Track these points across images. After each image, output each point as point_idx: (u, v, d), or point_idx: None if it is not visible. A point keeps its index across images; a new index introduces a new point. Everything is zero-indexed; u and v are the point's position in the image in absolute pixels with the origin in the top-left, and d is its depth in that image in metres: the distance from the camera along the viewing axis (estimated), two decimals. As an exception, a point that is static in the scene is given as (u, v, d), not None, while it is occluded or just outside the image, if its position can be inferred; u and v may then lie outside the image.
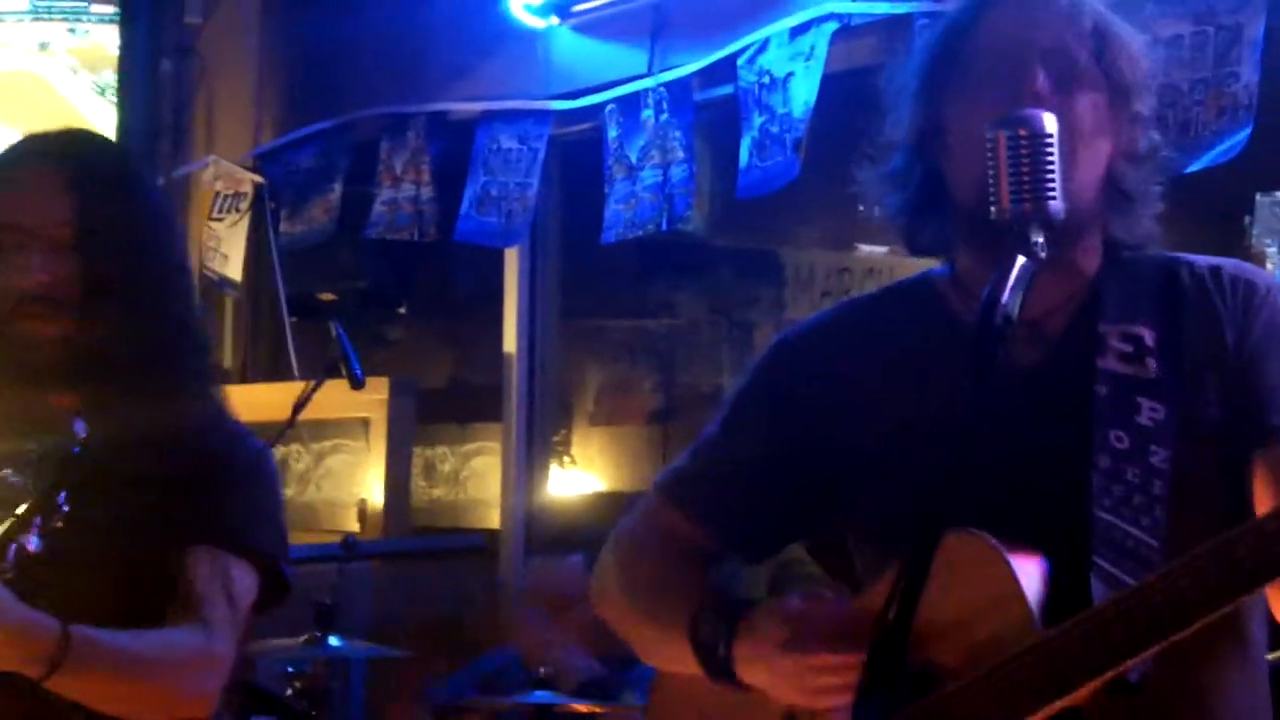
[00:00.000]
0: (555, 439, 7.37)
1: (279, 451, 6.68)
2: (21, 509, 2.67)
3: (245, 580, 2.84)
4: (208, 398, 2.94)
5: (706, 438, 2.66)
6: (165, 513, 2.77)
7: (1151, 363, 2.35)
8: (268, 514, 2.94)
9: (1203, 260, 2.45)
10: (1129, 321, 2.39)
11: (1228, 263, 2.46)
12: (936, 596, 2.10)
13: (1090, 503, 2.25)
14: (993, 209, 2.17)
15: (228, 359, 8.01)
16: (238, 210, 7.61)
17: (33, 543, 2.68)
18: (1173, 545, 2.21)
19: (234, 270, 7.60)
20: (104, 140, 3.04)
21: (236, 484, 2.88)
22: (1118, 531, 2.24)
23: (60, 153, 2.88)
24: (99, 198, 2.82)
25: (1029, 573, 2.17)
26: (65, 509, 2.51)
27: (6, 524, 2.64)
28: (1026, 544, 2.20)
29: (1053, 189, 2.15)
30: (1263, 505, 2.28)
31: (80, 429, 2.53)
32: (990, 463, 2.11)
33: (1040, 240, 2.14)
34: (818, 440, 2.53)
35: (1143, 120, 2.43)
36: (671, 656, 2.54)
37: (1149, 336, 2.37)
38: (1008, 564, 2.16)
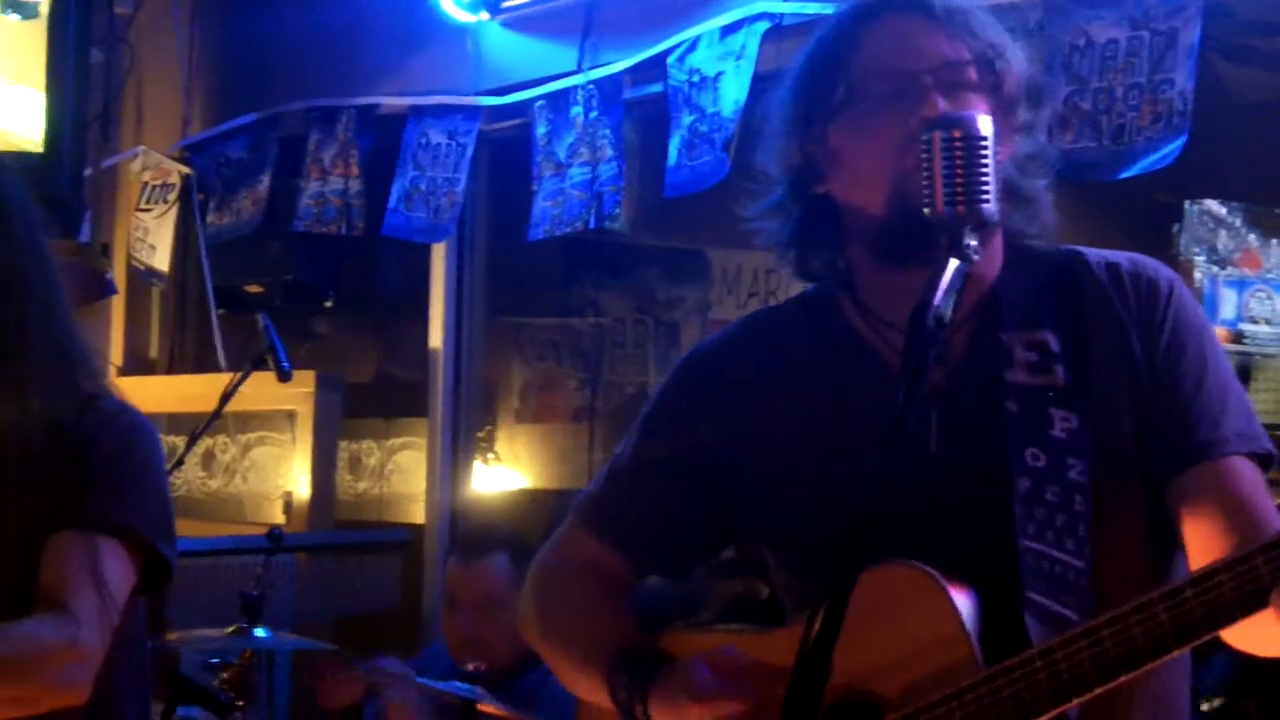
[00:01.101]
0: (480, 435, 7.36)
1: (205, 442, 6.67)
2: None
3: (117, 564, 2.78)
4: (70, 384, 2.88)
5: (619, 455, 2.67)
6: (25, 501, 2.74)
7: (1059, 370, 2.34)
8: (140, 493, 2.87)
9: (1098, 257, 2.44)
10: (1032, 328, 2.38)
11: (1124, 259, 2.44)
12: (872, 626, 2.13)
13: (1015, 531, 2.24)
14: (925, 210, 2.16)
15: (154, 349, 7.97)
16: (165, 201, 7.56)
17: None
18: (1098, 562, 2.22)
19: (161, 261, 7.54)
20: None
21: (103, 465, 2.82)
22: (1045, 560, 2.23)
23: None
24: None
25: (965, 606, 2.17)
26: None
27: None
28: (954, 573, 2.20)
29: (987, 191, 2.14)
30: (1190, 533, 2.28)
31: None
32: (907, 487, 2.08)
33: (974, 243, 2.13)
34: (726, 459, 2.53)
35: (1028, 126, 2.44)
36: (591, 698, 2.57)
37: (1053, 341, 2.36)
38: (949, 598, 2.16)
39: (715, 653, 2.38)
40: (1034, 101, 2.45)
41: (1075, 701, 2.07)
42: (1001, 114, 2.35)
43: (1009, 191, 2.36)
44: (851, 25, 2.43)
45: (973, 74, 2.36)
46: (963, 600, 2.18)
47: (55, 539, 2.73)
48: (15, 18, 6.50)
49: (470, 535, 5.87)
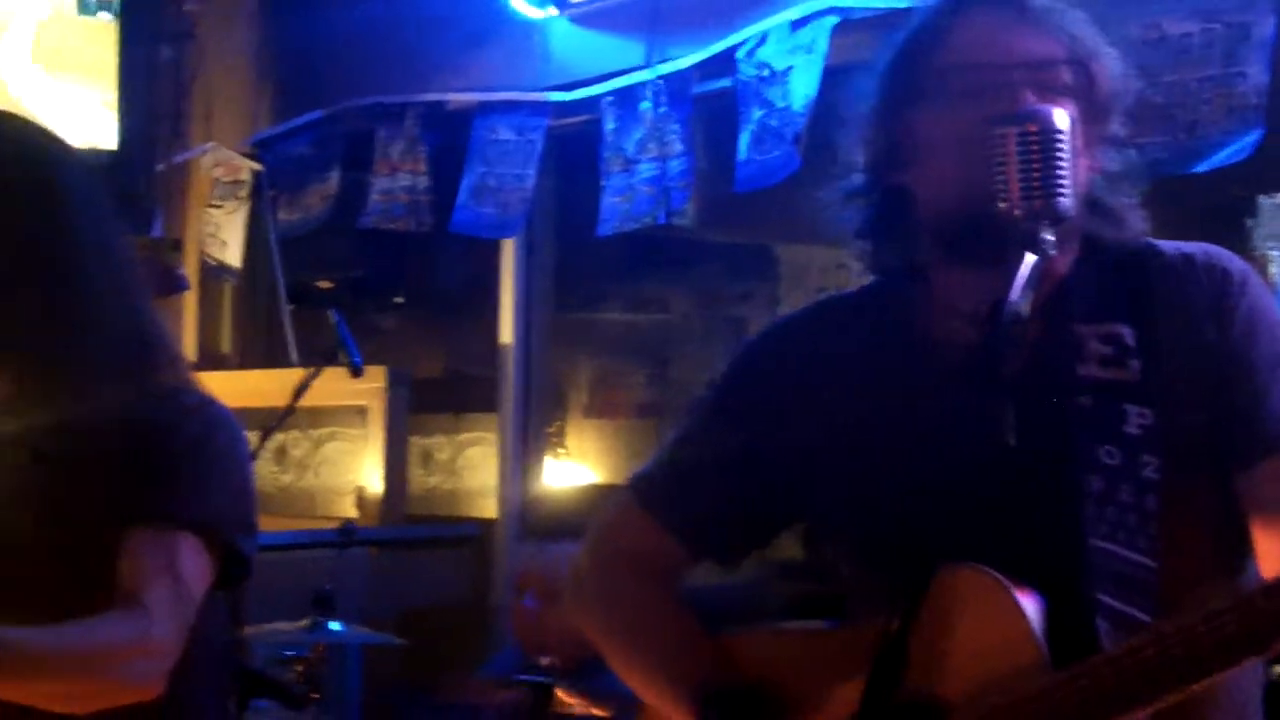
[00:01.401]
0: (549, 430, 7.38)
1: (278, 438, 6.70)
2: None
3: (194, 559, 2.74)
4: (151, 373, 2.85)
5: (677, 439, 2.64)
6: (102, 494, 2.71)
7: (1134, 364, 2.30)
8: (219, 489, 2.82)
9: (1172, 247, 2.40)
10: (1105, 320, 2.34)
11: (1198, 249, 2.39)
12: (942, 629, 2.12)
13: (1086, 531, 2.21)
14: (1001, 205, 2.14)
15: (226, 344, 8.01)
16: (236, 197, 7.60)
17: None
18: (1168, 562, 2.19)
19: (233, 257, 7.59)
20: (9, 120, 2.93)
21: (182, 458, 2.77)
22: (1116, 560, 2.20)
23: None
24: (2, 177, 2.78)
25: (1033, 610, 2.14)
26: None
27: None
28: (1021, 575, 2.16)
29: (1064, 186, 2.12)
30: (1260, 529, 2.25)
31: None
32: (975, 484, 2.07)
33: (1050, 238, 2.11)
34: (789, 447, 2.50)
35: (1118, 140, 2.39)
36: (663, 708, 2.55)
37: (1127, 335, 2.32)
38: (1018, 604, 2.13)
39: (803, 670, 2.38)
40: (1126, 113, 2.40)
41: (1143, 709, 2.04)
42: (1091, 121, 2.32)
43: (1094, 205, 2.34)
44: (943, 16, 2.39)
45: (1065, 76, 2.31)
46: (1030, 604, 2.15)
47: (132, 534, 2.70)
48: (104, 16, 6.54)
49: (543, 525, 5.88)
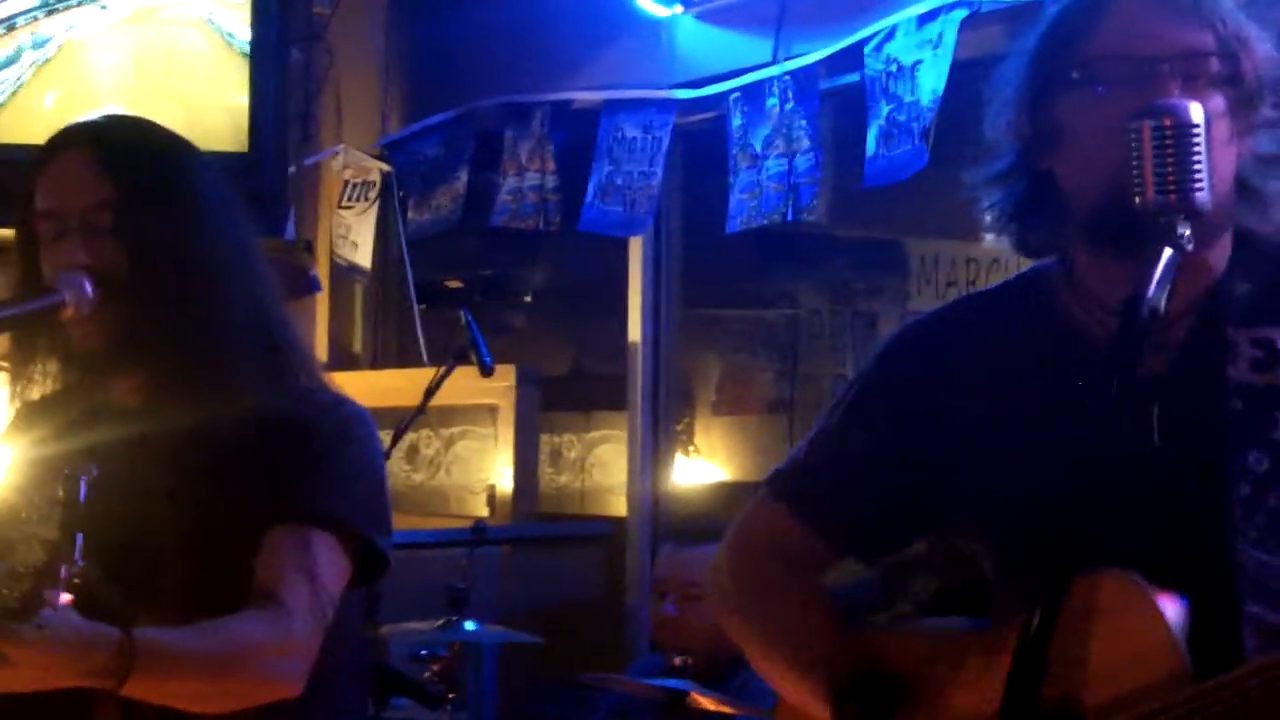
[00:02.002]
0: (678, 427, 7.38)
1: (409, 437, 6.74)
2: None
3: (331, 556, 2.77)
4: (286, 373, 2.89)
5: (818, 434, 2.62)
6: (238, 495, 2.74)
7: None
8: (355, 486, 2.86)
9: None
10: (1259, 324, 2.29)
11: None
12: (1082, 635, 2.09)
13: (1234, 538, 2.18)
14: (1136, 199, 2.11)
15: (357, 344, 8.08)
16: (366, 199, 7.66)
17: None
18: None
19: (363, 258, 7.65)
20: (143, 124, 2.99)
21: (318, 457, 2.81)
22: (1265, 570, 2.17)
23: (96, 139, 2.86)
24: (136, 181, 2.79)
25: (1176, 618, 2.11)
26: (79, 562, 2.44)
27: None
28: (1160, 578, 2.13)
29: (1200, 180, 2.09)
30: None
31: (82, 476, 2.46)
32: (1120, 485, 2.00)
33: (1186, 233, 2.07)
34: (932, 441, 2.48)
35: (1270, 121, 2.35)
36: (800, 701, 2.55)
37: None
38: (1160, 611, 2.10)
39: (945, 669, 2.36)
40: (1275, 94, 2.35)
41: None
42: (1240, 108, 2.28)
43: (1243, 189, 2.30)
44: (1093, 1, 2.37)
45: (1214, 65, 2.28)
46: (1173, 611, 2.12)
47: (270, 534, 2.74)
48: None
49: (674, 523, 5.90)
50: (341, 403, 2.93)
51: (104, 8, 6.59)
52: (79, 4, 6.60)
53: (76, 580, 2.40)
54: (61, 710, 2.64)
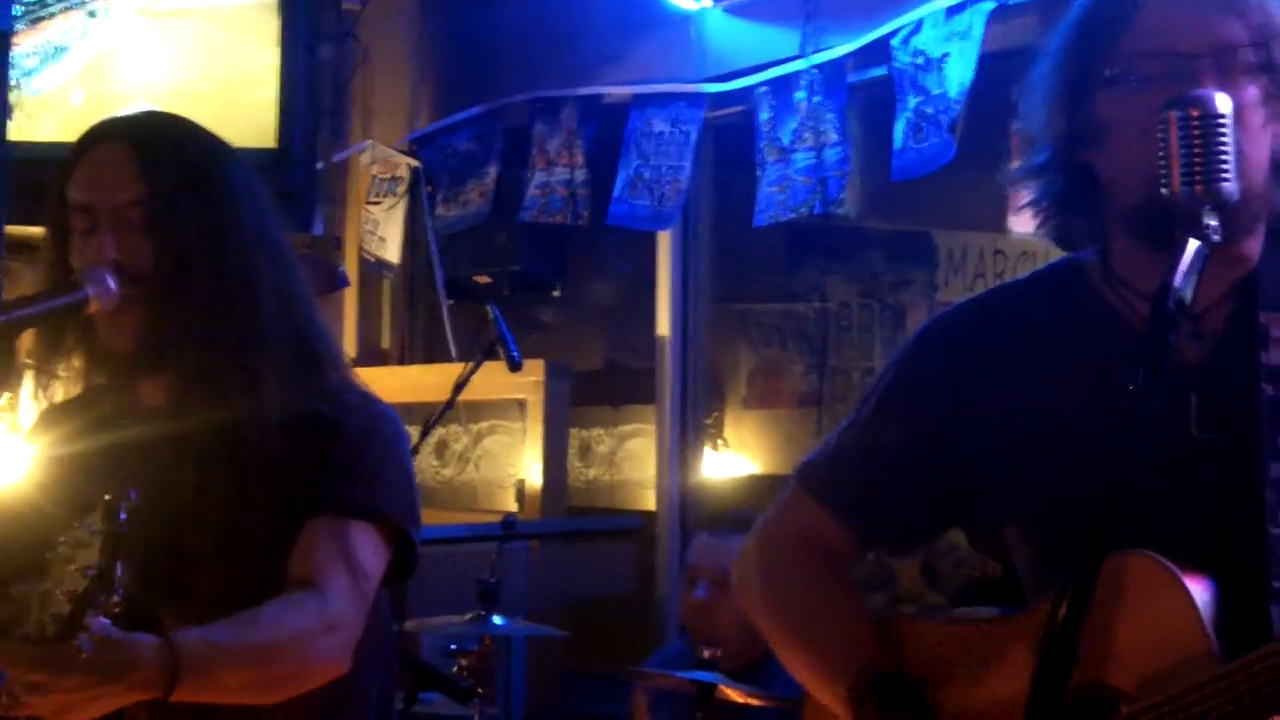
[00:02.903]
0: (708, 421, 7.38)
1: (438, 432, 6.75)
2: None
3: (368, 546, 2.78)
4: (314, 372, 2.89)
5: (849, 425, 2.62)
6: (270, 492, 2.75)
7: None
8: (388, 478, 2.87)
9: None
10: None
11: None
12: (1108, 617, 2.09)
13: (1265, 519, 2.18)
14: (1163, 190, 2.11)
15: (386, 340, 8.10)
16: (394, 194, 7.67)
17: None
18: None
19: (391, 253, 7.66)
20: (179, 121, 2.99)
21: (351, 451, 2.81)
22: None
23: (132, 134, 2.85)
24: (170, 178, 2.79)
25: (1204, 599, 2.12)
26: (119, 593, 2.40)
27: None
28: (1194, 562, 2.14)
29: (1226, 171, 2.08)
30: None
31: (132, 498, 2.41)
32: (1154, 469, 2.01)
33: (1214, 224, 2.07)
34: (965, 431, 2.47)
35: None
36: (827, 703, 2.54)
37: None
38: (1187, 592, 2.11)
39: (970, 660, 2.37)
40: None
41: None
42: (1275, 96, 2.29)
43: (1278, 174, 2.31)
44: None
45: (1249, 57, 2.29)
46: (1200, 592, 2.13)
47: (306, 528, 2.74)
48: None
49: (703, 517, 5.90)
50: (369, 401, 2.93)
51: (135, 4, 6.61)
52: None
53: (117, 609, 2.38)
54: None
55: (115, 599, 2.36)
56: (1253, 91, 2.27)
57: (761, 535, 2.70)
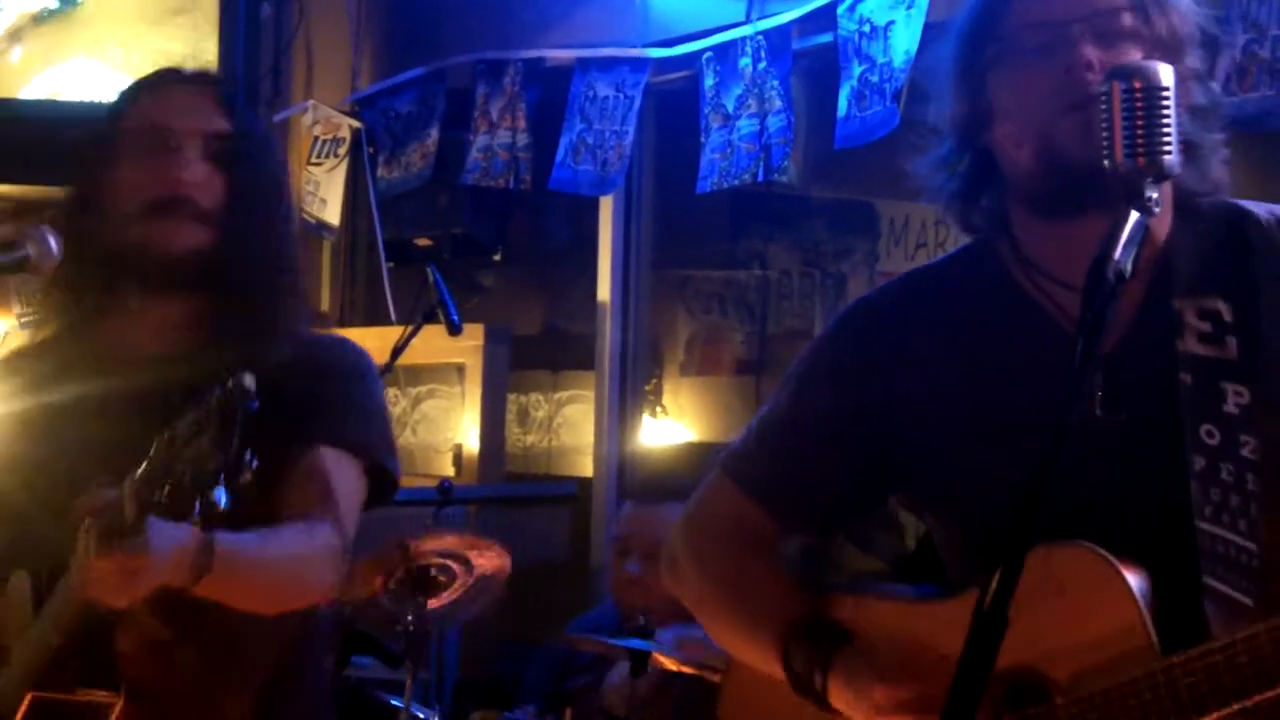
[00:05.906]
0: (647, 388, 7.37)
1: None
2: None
3: (351, 476, 2.94)
4: (310, 311, 3.12)
5: (771, 411, 2.63)
6: (290, 416, 2.81)
7: (1231, 341, 2.26)
8: (372, 412, 3.05)
9: (1266, 212, 2.37)
10: (1204, 294, 2.29)
11: None
12: (1042, 604, 2.09)
13: (1191, 513, 2.19)
14: (1105, 162, 2.10)
15: (325, 303, 8.05)
16: (336, 155, 7.63)
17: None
18: (1270, 545, 2.15)
19: (332, 215, 7.62)
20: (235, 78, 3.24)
21: (343, 384, 3.01)
22: (1220, 543, 2.17)
23: (209, 79, 3.05)
24: (247, 122, 3.00)
25: (1141, 591, 2.12)
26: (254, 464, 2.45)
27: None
28: (1127, 554, 2.15)
29: (1169, 142, 2.08)
30: None
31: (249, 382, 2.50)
32: (1076, 460, 1.97)
33: (1155, 195, 2.06)
34: (885, 417, 2.48)
35: (1197, 74, 2.37)
36: (754, 661, 2.56)
37: (1226, 311, 2.28)
38: (1126, 584, 2.11)
39: (899, 634, 2.37)
40: (1201, 48, 2.38)
41: (1258, 697, 2.00)
42: (1165, 60, 2.23)
43: (1182, 143, 2.27)
44: None
45: (1127, 20, 2.30)
46: (1138, 584, 2.13)
47: (314, 452, 2.89)
48: None
49: (648, 483, 5.88)
50: (342, 340, 3.13)
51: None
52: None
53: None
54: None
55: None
56: (1135, 56, 2.27)
57: (687, 522, 2.72)
